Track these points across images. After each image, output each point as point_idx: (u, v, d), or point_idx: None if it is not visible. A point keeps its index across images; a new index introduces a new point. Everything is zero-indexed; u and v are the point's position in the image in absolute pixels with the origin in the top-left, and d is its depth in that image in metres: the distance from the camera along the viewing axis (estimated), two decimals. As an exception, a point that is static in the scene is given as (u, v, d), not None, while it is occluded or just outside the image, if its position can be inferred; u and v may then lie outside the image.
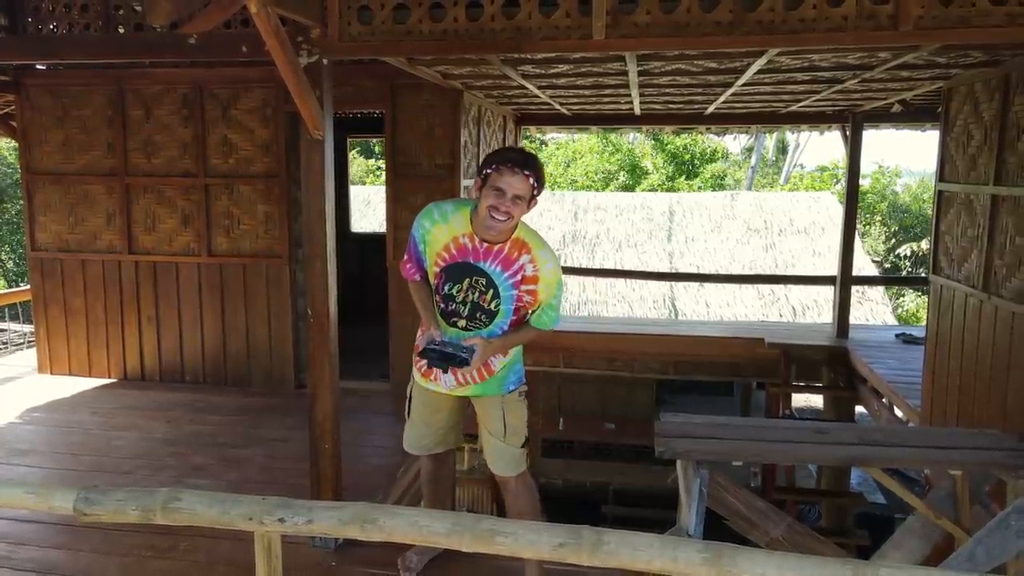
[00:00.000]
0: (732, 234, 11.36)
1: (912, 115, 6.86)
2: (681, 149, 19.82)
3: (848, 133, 7.08)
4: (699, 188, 17.63)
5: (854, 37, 2.61)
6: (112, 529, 3.42)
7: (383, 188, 6.17)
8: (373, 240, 7.45)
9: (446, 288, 2.59)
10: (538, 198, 2.54)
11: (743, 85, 4.89)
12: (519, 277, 2.53)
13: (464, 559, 3.21)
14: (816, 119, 7.31)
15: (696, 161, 20.05)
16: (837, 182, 22.24)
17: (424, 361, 2.58)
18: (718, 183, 18.73)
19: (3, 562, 3.17)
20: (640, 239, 11.27)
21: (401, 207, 5.23)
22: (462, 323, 2.59)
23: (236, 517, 2.42)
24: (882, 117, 7.04)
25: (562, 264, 9.12)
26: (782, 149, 26.25)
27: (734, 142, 27.03)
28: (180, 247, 5.59)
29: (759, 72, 4.31)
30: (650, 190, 17.43)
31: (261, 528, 2.40)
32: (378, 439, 4.60)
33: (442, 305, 2.62)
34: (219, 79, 5.33)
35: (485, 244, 2.51)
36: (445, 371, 2.61)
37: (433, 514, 2.45)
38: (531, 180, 2.41)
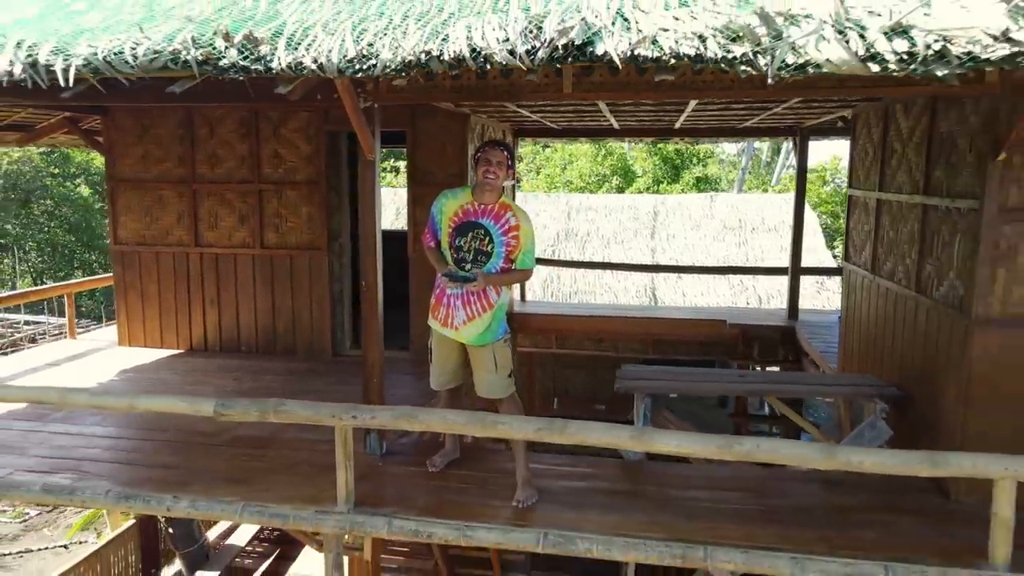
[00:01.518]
0: (709, 232, 12.60)
1: (850, 130, 8.10)
2: (674, 153, 21.07)
3: (796, 144, 8.32)
4: (682, 190, 18.88)
5: (738, 93, 3.85)
6: (216, 444, 4.66)
7: (392, 190, 7.34)
8: (390, 237, 8.66)
9: (457, 241, 3.85)
10: (513, 169, 3.88)
11: (696, 108, 6.12)
12: (506, 227, 3.81)
13: (473, 462, 4.45)
14: (769, 132, 8.56)
15: (688, 163, 21.27)
16: (824, 184, 23.42)
17: (441, 312, 3.84)
18: (703, 186, 19.95)
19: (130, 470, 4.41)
20: (626, 236, 12.53)
21: (420, 208, 6.45)
22: (468, 265, 3.83)
23: (323, 414, 3.69)
24: (827, 131, 8.26)
25: (555, 258, 10.34)
26: (776, 151, 27.21)
27: (731, 145, 28.07)
28: (237, 241, 6.82)
29: (700, 102, 5.55)
30: (638, 192, 18.71)
31: (340, 422, 3.66)
32: (401, 391, 5.81)
33: (455, 254, 3.86)
34: (272, 105, 6.56)
35: (482, 206, 3.83)
36: (461, 291, 3.80)
37: (455, 412, 3.73)
38: (504, 153, 3.85)
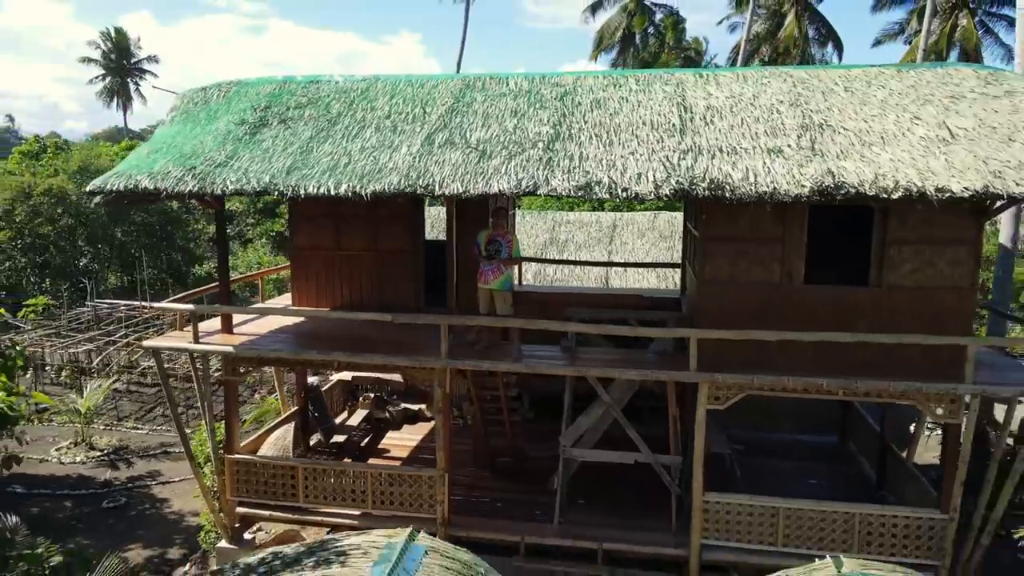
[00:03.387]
0: (650, 240, 18.13)
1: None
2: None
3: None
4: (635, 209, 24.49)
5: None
6: (368, 340, 10.26)
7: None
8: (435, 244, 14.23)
9: (488, 248, 9.60)
10: (512, 217, 9.63)
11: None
12: (507, 239, 9.71)
13: (495, 349, 10.04)
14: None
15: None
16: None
17: (481, 277, 9.56)
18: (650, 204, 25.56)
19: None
20: (592, 243, 18.05)
21: (461, 231, 11.95)
22: (493, 255, 9.53)
23: (440, 320, 9.37)
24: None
25: (541, 257, 16.72)
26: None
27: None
28: (359, 247, 12.33)
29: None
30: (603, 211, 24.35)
31: (444, 321, 9.34)
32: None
33: (486, 251, 9.60)
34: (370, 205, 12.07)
35: (496, 233, 9.66)
36: (491, 266, 9.58)
37: (490, 319, 9.46)
38: (505, 215, 9.82)
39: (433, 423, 12.12)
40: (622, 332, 9.53)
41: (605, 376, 9.75)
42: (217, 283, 11.23)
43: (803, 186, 7.78)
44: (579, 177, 8.35)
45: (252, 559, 5.45)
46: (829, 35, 41.77)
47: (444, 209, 12.63)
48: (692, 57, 58.39)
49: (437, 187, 8.58)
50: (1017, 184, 7.38)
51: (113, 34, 68.53)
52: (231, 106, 10.89)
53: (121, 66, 69.04)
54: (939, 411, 8.67)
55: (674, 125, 9.18)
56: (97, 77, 68.47)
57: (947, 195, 7.38)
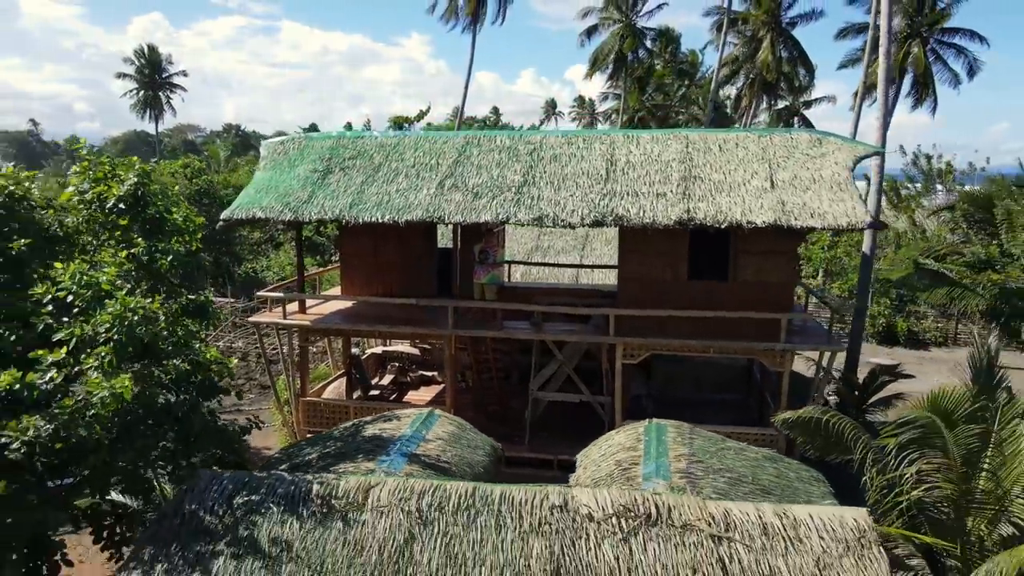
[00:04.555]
0: (615, 247, 22.90)
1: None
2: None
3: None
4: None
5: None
6: (391, 318, 15.25)
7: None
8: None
9: (479, 255, 14.64)
10: (502, 231, 14.56)
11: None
12: (494, 250, 14.94)
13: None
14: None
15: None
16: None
17: (475, 274, 14.43)
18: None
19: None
20: (568, 248, 22.85)
21: (464, 243, 16.83)
22: (480, 261, 14.45)
23: (446, 303, 14.39)
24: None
25: (527, 260, 22.15)
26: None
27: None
28: (388, 257, 17.25)
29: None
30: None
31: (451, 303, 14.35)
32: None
33: (478, 259, 14.55)
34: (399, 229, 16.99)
35: (486, 244, 14.85)
36: (482, 267, 14.52)
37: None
38: (495, 236, 14.85)
39: (442, 386, 17.01)
40: (565, 311, 14.41)
41: (558, 340, 14.62)
42: (276, 281, 16.17)
43: (671, 219, 12.62)
44: (536, 212, 13.23)
45: (347, 423, 10.36)
46: (802, 59, 46.13)
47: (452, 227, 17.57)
48: (686, 69, 63.07)
49: (446, 218, 13.51)
50: (795, 219, 12.19)
51: (146, 51, 73.95)
52: (303, 157, 15.84)
53: (153, 80, 74.41)
54: (768, 362, 13.49)
55: (601, 175, 14.05)
56: (132, 91, 73.87)
57: (752, 226, 12.21)
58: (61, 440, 6.35)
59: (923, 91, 40.72)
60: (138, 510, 8.54)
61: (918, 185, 33.15)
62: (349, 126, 40.55)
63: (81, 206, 8.39)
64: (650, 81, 56.07)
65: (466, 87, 42.54)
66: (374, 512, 6.83)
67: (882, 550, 6.39)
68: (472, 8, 40.52)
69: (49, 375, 6.59)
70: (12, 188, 7.65)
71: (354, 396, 18.33)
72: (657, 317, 13.84)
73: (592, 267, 20.83)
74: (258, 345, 18.23)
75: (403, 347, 20.29)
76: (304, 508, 6.87)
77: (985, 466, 8.88)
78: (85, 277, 6.99)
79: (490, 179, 14.33)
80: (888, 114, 21.52)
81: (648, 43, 52.84)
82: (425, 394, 18.93)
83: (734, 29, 46.82)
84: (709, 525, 6.44)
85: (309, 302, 16.36)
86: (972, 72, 40.95)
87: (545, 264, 21.67)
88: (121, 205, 8.40)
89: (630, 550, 6.33)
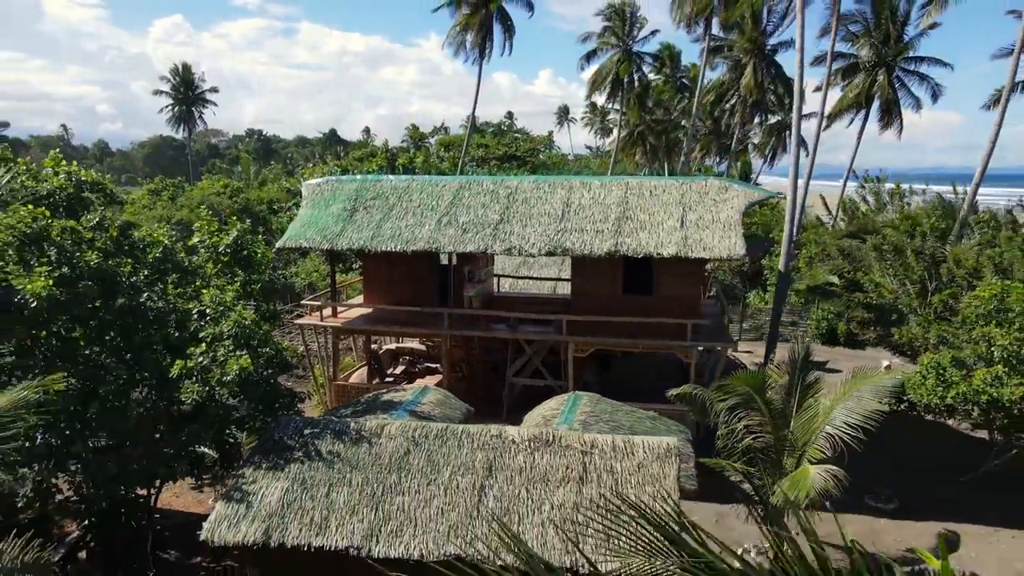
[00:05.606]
0: (589, 261, 27.60)
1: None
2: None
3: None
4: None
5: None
6: (409, 322, 20.11)
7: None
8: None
9: (469, 274, 19.40)
10: (492, 261, 19.30)
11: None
12: (481, 269, 19.31)
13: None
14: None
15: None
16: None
17: (465, 290, 19.22)
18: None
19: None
20: (550, 263, 27.53)
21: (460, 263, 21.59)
22: (469, 278, 19.24)
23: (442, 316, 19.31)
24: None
25: (514, 275, 27.52)
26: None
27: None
28: (400, 274, 22.07)
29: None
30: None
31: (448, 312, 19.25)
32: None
33: (468, 277, 19.30)
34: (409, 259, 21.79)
35: (472, 266, 19.48)
36: (473, 281, 19.30)
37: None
38: (483, 259, 19.47)
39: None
40: (533, 316, 19.16)
41: (528, 339, 19.37)
42: (304, 286, 21.07)
43: (603, 251, 17.31)
44: (507, 244, 18.00)
45: (366, 396, 15.19)
46: (782, 82, 50.22)
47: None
48: (686, 83, 67.35)
49: (443, 248, 18.36)
50: (692, 252, 16.84)
51: (180, 69, 79.66)
52: (335, 197, 20.72)
53: (187, 96, 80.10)
54: (681, 356, 18.14)
55: (558, 215, 18.77)
56: (167, 106, 79.60)
57: (660, 256, 16.87)
58: (208, 398, 11.21)
59: (887, 117, 45.02)
60: (228, 450, 13.36)
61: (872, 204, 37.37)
62: (367, 131, 45.48)
63: (203, 249, 13.32)
64: (649, 97, 60.24)
65: (474, 107, 47.34)
66: (386, 438, 11.60)
67: (676, 458, 11.04)
68: (478, 42, 45.34)
69: (199, 359, 11.47)
70: (166, 243, 12.55)
71: (374, 382, 23.26)
72: (600, 321, 18.51)
73: (557, 280, 25.56)
74: (293, 341, 23.31)
75: (413, 344, 25.14)
76: (346, 436, 11.65)
77: (791, 424, 13.51)
78: (217, 298, 11.88)
79: (476, 217, 19.10)
80: (813, 154, 26.06)
81: (644, 68, 57.09)
82: (430, 381, 23.71)
83: (720, 55, 51.21)
84: (581, 446, 11.15)
85: (340, 309, 21.24)
86: (936, 96, 45.30)
87: (528, 277, 26.46)
88: (228, 249, 13.31)
89: (533, 458, 11.05)
